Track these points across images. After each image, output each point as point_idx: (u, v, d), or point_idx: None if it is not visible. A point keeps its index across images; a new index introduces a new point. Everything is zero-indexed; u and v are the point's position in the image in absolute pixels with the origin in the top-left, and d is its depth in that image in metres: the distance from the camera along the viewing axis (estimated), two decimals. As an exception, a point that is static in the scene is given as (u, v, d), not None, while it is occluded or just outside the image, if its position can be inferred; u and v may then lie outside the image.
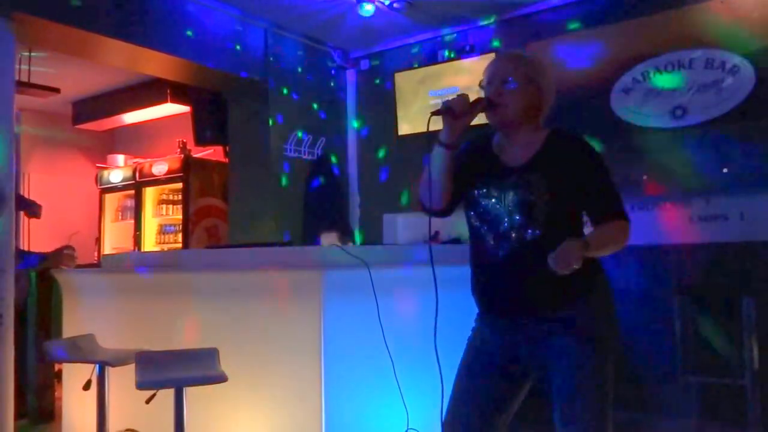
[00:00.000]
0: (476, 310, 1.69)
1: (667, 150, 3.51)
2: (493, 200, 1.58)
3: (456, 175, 1.60)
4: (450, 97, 1.58)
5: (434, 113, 1.55)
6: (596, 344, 1.52)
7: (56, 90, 4.92)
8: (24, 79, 4.59)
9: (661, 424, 3.32)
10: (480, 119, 1.62)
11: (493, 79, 1.61)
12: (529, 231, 1.53)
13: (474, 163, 1.64)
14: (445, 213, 1.65)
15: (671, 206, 3.47)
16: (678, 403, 3.11)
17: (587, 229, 1.61)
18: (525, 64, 1.63)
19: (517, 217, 1.54)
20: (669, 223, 3.46)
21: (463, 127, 1.56)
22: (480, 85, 1.65)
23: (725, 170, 3.33)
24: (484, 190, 1.60)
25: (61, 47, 3.77)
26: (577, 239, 1.47)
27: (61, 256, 2.23)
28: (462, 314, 1.75)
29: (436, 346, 1.63)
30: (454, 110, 1.53)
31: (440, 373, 1.64)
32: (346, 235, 3.68)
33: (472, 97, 1.59)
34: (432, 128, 1.58)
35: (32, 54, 4.61)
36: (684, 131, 3.47)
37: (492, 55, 4.06)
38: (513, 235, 1.55)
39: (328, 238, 3.55)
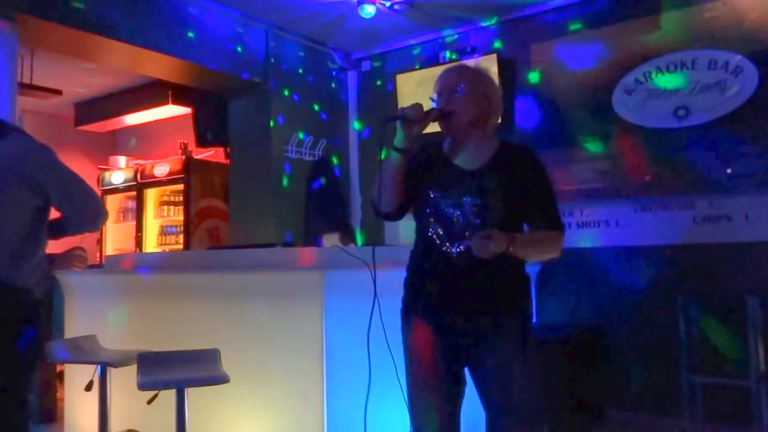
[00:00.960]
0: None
1: (670, 151, 3.51)
2: (450, 203, 1.66)
3: (407, 179, 1.68)
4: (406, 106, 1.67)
5: (388, 119, 1.65)
6: (529, 347, 1.65)
7: (58, 92, 4.93)
8: (26, 80, 4.60)
9: (665, 424, 3.31)
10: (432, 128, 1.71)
11: (442, 91, 1.72)
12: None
13: (426, 168, 1.72)
14: (395, 216, 1.73)
15: (675, 207, 3.46)
16: (682, 404, 3.09)
17: None
18: (471, 75, 1.73)
19: (473, 220, 1.63)
20: (673, 224, 3.45)
21: (418, 134, 1.65)
22: (431, 98, 1.74)
23: (729, 171, 3.32)
24: (441, 193, 1.67)
25: (64, 49, 3.77)
26: (508, 234, 1.57)
27: (72, 257, 2.22)
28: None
29: (369, 349, 1.79)
30: (409, 117, 1.62)
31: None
32: (347, 235, 3.67)
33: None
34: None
35: (34, 56, 4.61)
36: (687, 132, 3.46)
37: (493, 56, 4.07)
38: (467, 236, 1.62)
39: (330, 239, 3.55)
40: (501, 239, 1.51)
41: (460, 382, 1.71)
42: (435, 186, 1.68)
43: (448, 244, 1.64)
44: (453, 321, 1.66)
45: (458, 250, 1.63)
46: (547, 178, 1.71)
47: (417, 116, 1.62)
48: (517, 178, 1.66)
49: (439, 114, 1.68)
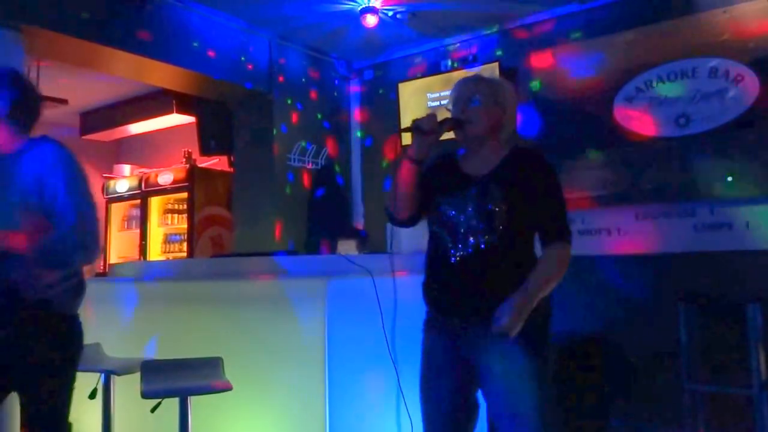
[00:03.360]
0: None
1: (671, 158, 3.52)
2: (454, 207, 1.68)
3: (422, 186, 1.72)
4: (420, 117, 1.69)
5: (403, 130, 1.73)
6: (536, 348, 1.63)
7: (64, 101, 4.98)
8: (32, 90, 4.63)
9: (668, 434, 3.30)
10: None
11: (458, 100, 1.75)
12: (486, 237, 1.63)
13: (439, 175, 1.76)
14: (409, 222, 1.77)
15: (676, 215, 3.47)
16: (683, 414, 3.08)
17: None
18: (486, 85, 1.76)
19: (476, 224, 1.64)
20: (673, 232, 3.46)
21: (431, 144, 1.68)
22: (446, 108, 1.77)
23: (729, 179, 3.33)
24: (446, 198, 1.71)
25: (69, 59, 3.82)
26: (520, 295, 1.56)
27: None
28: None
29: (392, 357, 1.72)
30: (422, 128, 1.65)
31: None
32: (365, 246, 3.65)
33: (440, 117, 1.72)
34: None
35: (41, 66, 4.66)
36: (688, 140, 3.47)
37: (495, 65, 4.09)
38: (471, 240, 1.64)
39: (345, 245, 3.52)
40: (516, 312, 1.53)
41: (470, 402, 1.69)
42: (441, 192, 1.72)
43: (451, 247, 1.66)
44: (459, 327, 1.66)
45: (461, 254, 1.64)
46: (555, 183, 1.70)
47: (430, 127, 1.66)
48: (523, 182, 1.66)
49: (454, 123, 1.71)
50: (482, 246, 1.63)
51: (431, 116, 1.67)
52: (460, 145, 1.80)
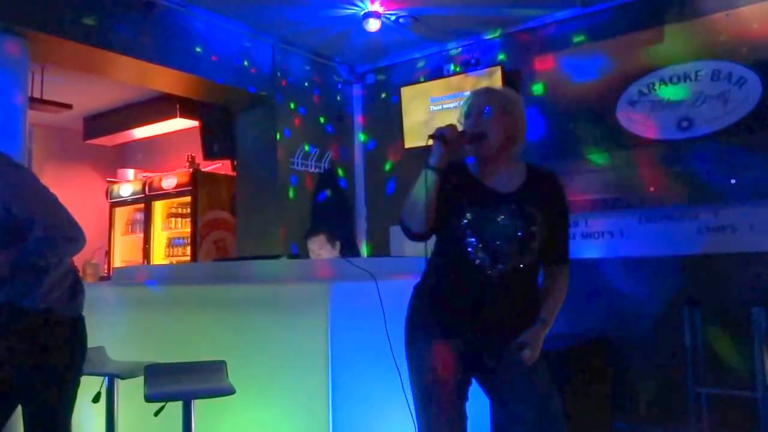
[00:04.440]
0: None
1: (674, 162, 3.51)
2: (491, 225, 1.66)
3: (438, 198, 1.67)
4: (443, 125, 1.68)
5: (430, 137, 1.66)
6: (545, 362, 1.70)
7: (68, 106, 5.00)
8: (37, 95, 4.67)
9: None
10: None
11: (469, 113, 1.73)
12: (524, 257, 1.65)
13: (455, 187, 1.70)
14: (427, 236, 1.71)
15: (679, 217, 3.46)
16: (688, 416, 3.07)
17: None
18: (499, 97, 1.74)
19: (516, 244, 1.64)
20: (677, 235, 3.45)
21: (451, 154, 1.66)
22: (458, 121, 1.74)
23: (733, 181, 3.33)
24: (481, 215, 1.67)
25: (73, 64, 3.84)
26: (542, 327, 1.66)
27: (83, 270, 2.26)
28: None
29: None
30: (446, 137, 1.63)
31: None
32: (336, 238, 3.59)
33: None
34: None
35: (45, 71, 4.69)
36: (690, 143, 3.47)
37: (498, 68, 4.10)
38: (509, 258, 1.64)
39: (316, 242, 3.49)
40: (539, 338, 1.63)
41: (467, 399, 1.74)
42: (473, 207, 1.67)
43: (489, 264, 1.64)
44: (483, 339, 1.67)
45: (497, 271, 1.64)
46: (568, 207, 1.76)
47: (453, 136, 1.63)
48: (549, 204, 1.69)
49: (473, 136, 1.69)
50: (520, 264, 1.65)
51: (452, 126, 1.65)
52: (466, 154, 1.77)
